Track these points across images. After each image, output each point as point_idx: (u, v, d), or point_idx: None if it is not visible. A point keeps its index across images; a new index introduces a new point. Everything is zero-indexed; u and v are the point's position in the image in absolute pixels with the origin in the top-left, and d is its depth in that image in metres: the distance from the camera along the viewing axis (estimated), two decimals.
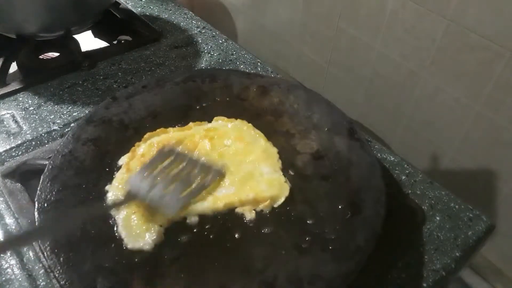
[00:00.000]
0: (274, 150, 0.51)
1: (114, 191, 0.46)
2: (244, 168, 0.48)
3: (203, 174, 0.45)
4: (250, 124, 0.53)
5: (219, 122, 0.53)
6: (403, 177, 0.54)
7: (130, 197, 0.43)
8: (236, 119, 0.53)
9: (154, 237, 0.42)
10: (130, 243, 0.41)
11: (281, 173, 0.48)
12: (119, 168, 0.48)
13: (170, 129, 0.52)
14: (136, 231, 0.42)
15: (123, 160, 0.49)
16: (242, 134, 0.51)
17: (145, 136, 0.50)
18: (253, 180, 0.46)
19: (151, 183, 0.43)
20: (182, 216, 0.44)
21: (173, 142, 0.49)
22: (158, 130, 0.51)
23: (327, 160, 0.49)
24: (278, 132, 0.53)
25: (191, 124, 0.53)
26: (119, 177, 0.47)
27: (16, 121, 0.59)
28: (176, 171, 0.45)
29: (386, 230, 0.41)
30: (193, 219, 0.44)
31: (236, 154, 0.49)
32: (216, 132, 0.51)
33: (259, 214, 0.44)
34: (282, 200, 0.46)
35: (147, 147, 0.49)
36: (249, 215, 0.44)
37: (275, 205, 0.45)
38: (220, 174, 0.46)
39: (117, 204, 0.43)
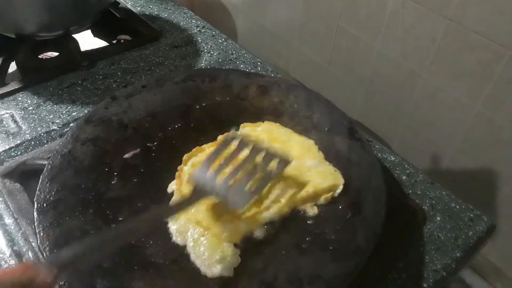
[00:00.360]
0: (311, 142, 0.50)
1: (174, 221, 0.44)
2: (291, 167, 0.47)
3: (268, 163, 0.43)
4: (277, 124, 0.53)
5: (247, 129, 0.52)
6: (404, 177, 0.53)
7: (197, 194, 0.41)
8: (263, 121, 0.53)
9: (233, 260, 0.40)
10: (209, 272, 0.40)
11: (328, 163, 0.48)
12: (169, 196, 0.46)
13: (205, 146, 0.50)
14: (212, 258, 0.40)
15: (171, 188, 0.47)
16: (275, 134, 0.51)
17: (184, 157, 0.48)
18: (305, 176, 0.46)
19: (215, 176, 0.42)
20: (251, 230, 0.42)
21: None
22: (194, 149, 0.49)
23: (327, 161, 0.49)
24: None
25: (220, 136, 0.51)
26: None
27: (15, 121, 0.59)
28: (241, 160, 0.43)
29: (387, 230, 0.41)
30: (260, 231, 0.43)
31: None
32: (249, 139, 0.50)
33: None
34: (340, 188, 0.45)
35: (191, 169, 0.47)
36: (312, 211, 0.44)
37: (335, 195, 0.45)
38: (286, 162, 0.44)
39: (185, 205, 0.40)
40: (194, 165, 0.47)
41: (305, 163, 0.47)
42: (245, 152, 0.44)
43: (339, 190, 0.45)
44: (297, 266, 0.39)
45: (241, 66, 0.70)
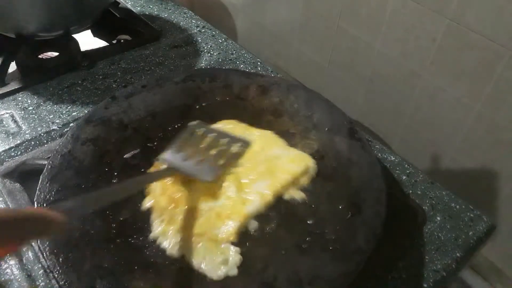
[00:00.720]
0: (269, 132, 0.51)
1: (163, 236, 0.43)
2: (259, 159, 0.48)
3: (231, 146, 0.47)
4: (234, 121, 0.53)
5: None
6: (404, 177, 0.53)
7: (169, 169, 0.44)
8: (220, 120, 0.53)
9: (235, 259, 0.40)
10: (215, 275, 0.39)
11: (292, 148, 0.50)
12: (144, 212, 0.45)
13: None
14: (215, 261, 0.40)
15: (146, 205, 0.45)
16: (234, 132, 0.51)
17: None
18: (277, 166, 0.47)
19: (184, 156, 0.45)
20: (245, 225, 0.43)
21: None
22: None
23: (327, 160, 0.49)
24: (278, 132, 0.53)
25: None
26: (158, 222, 0.44)
27: (15, 121, 0.59)
28: (206, 144, 0.47)
29: (387, 230, 0.41)
30: (253, 225, 0.43)
31: None
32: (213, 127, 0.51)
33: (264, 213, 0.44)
34: (315, 168, 0.47)
35: (161, 183, 0.46)
36: (298, 196, 0.45)
37: (313, 174, 0.47)
38: (247, 144, 0.48)
39: (157, 177, 0.44)
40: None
41: (273, 152, 0.48)
42: (210, 139, 0.48)
43: (313, 169, 0.47)
44: (297, 266, 0.39)
45: (241, 66, 0.70)
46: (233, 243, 0.41)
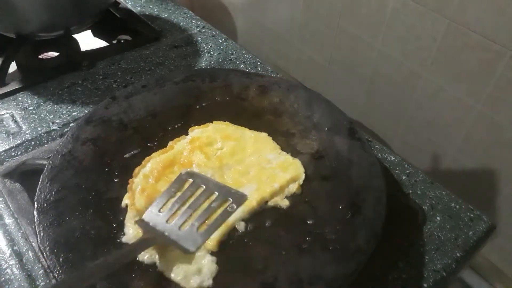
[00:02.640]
0: (264, 135, 0.51)
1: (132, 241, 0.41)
2: (250, 162, 0.48)
3: (224, 200, 0.43)
4: (227, 122, 0.53)
5: (196, 131, 0.51)
6: (404, 177, 0.53)
7: (146, 240, 0.39)
8: (211, 122, 0.53)
9: (211, 270, 0.39)
10: (188, 285, 0.38)
11: (285, 153, 0.49)
12: (123, 211, 0.44)
13: (154, 154, 0.48)
14: (188, 270, 0.38)
15: (125, 202, 0.45)
16: (227, 132, 0.51)
17: (135, 171, 0.47)
18: (267, 170, 0.47)
19: (167, 217, 0.41)
20: (226, 233, 0.42)
21: (163, 164, 0.46)
22: (143, 161, 0.48)
23: (327, 160, 0.49)
24: (278, 131, 0.53)
25: (170, 143, 0.50)
26: (131, 224, 0.43)
27: (15, 121, 0.59)
28: (195, 199, 0.43)
29: (387, 230, 0.41)
30: (240, 226, 0.43)
31: (233, 153, 0.49)
32: (201, 141, 0.49)
33: (262, 213, 0.44)
34: (303, 176, 0.47)
35: (143, 180, 0.46)
36: (283, 203, 0.45)
37: (301, 183, 0.46)
38: (242, 200, 0.43)
39: (134, 253, 0.39)
40: (146, 177, 0.46)
41: (265, 157, 0.48)
42: (200, 190, 0.44)
43: (302, 179, 0.47)
44: (297, 267, 0.39)
45: (241, 66, 0.70)
46: (211, 253, 0.40)
